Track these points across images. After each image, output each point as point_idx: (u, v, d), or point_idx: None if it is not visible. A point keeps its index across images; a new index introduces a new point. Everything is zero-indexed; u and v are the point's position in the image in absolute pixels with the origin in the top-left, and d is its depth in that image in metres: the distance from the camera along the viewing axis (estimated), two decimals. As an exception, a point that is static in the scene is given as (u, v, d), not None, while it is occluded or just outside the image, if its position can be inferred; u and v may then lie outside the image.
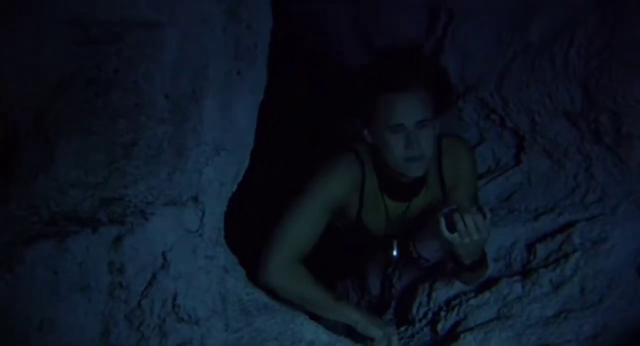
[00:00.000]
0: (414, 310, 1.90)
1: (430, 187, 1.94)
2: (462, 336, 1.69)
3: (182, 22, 1.50)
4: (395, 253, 1.95)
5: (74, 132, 1.43)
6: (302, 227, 1.83)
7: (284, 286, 1.78)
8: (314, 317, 1.83)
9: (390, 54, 1.97)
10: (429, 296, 1.87)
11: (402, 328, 1.93)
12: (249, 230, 2.10)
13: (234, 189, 1.77)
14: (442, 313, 1.78)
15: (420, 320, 1.89)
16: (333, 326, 1.85)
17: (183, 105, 1.56)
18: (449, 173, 1.93)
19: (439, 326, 1.80)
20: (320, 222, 1.85)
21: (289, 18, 2.40)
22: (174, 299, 1.59)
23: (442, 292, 1.86)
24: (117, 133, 1.47)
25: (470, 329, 1.71)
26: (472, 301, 1.74)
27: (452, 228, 1.62)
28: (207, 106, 1.61)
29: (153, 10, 1.44)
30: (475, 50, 1.97)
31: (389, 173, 1.87)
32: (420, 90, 1.76)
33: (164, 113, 1.52)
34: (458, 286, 1.85)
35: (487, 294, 1.73)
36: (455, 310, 1.74)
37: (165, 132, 1.53)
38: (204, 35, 1.57)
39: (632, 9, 1.56)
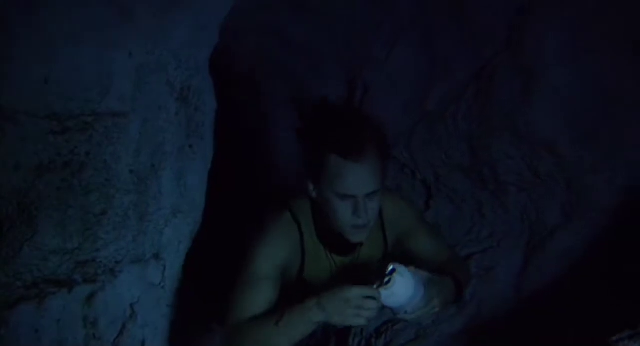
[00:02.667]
0: (350, 341, 2.19)
1: (373, 241, 1.87)
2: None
3: (142, 110, 1.79)
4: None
5: (53, 207, 1.66)
6: (252, 299, 1.71)
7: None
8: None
9: (342, 114, 1.77)
10: (361, 327, 2.16)
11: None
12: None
13: (190, 245, 2.03)
14: (373, 339, 2.08)
15: (355, 347, 2.15)
16: None
17: (145, 178, 1.83)
18: (391, 226, 1.87)
19: (371, 349, 2.05)
20: (268, 290, 1.73)
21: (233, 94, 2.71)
22: (143, 344, 1.82)
23: (372, 323, 2.14)
24: (90, 205, 1.70)
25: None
26: (396, 327, 2.06)
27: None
28: (165, 176, 1.89)
29: (119, 102, 1.72)
30: (387, 117, 2.37)
31: (330, 230, 1.77)
32: (374, 159, 1.63)
33: (129, 185, 1.78)
34: (385, 315, 2.13)
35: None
36: (383, 336, 2.05)
37: (131, 201, 1.78)
38: (161, 119, 1.86)
39: (496, 82, 2.02)
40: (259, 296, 1.70)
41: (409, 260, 1.70)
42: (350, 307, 1.50)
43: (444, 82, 2.23)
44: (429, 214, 2.34)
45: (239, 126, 2.87)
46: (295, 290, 1.78)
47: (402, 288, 1.52)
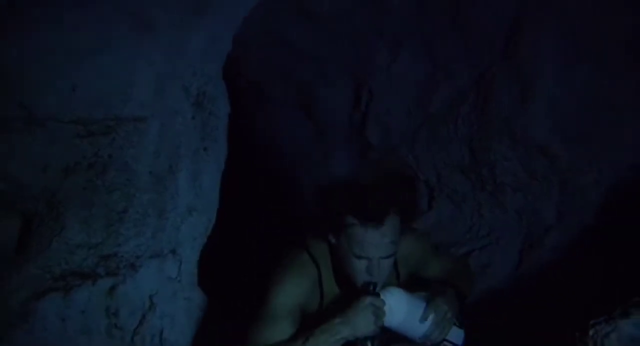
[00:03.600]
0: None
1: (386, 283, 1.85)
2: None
3: (160, 115, 1.92)
4: None
5: (79, 205, 1.80)
6: (269, 331, 1.77)
7: None
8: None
9: (366, 185, 1.86)
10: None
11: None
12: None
13: (204, 241, 2.15)
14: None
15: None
16: None
17: (163, 178, 1.95)
18: (403, 262, 1.89)
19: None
20: (287, 326, 1.79)
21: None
22: (161, 334, 1.92)
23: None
24: (113, 204, 1.83)
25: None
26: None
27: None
28: (181, 177, 2.01)
29: (140, 108, 1.86)
30: (391, 121, 2.48)
31: (345, 275, 1.82)
32: (393, 227, 1.69)
33: (149, 185, 1.90)
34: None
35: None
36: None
37: (150, 199, 1.90)
38: (178, 123, 1.99)
39: (495, 89, 2.13)
40: (277, 333, 1.76)
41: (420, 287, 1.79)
42: (370, 312, 1.62)
43: (445, 88, 2.34)
44: (431, 214, 2.45)
45: (248, 131, 3.00)
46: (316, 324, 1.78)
47: (395, 302, 1.66)
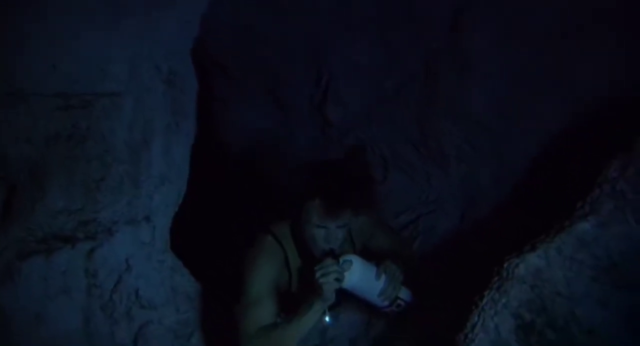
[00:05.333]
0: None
1: (343, 251, 2.08)
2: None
3: (134, 91, 2.07)
4: (327, 320, 1.99)
5: (60, 173, 1.94)
6: (256, 312, 1.98)
7: None
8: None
9: (332, 167, 2.08)
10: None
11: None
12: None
13: (176, 210, 2.31)
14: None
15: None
16: None
17: (137, 149, 2.10)
18: (357, 236, 2.18)
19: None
20: (270, 305, 2.01)
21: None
22: (137, 293, 2.08)
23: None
24: (91, 172, 1.98)
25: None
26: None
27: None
28: (154, 149, 2.16)
29: (115, 84, 2.01)
30: (349, 101, 2.70)
31: (307, 248, 2.06)
32: (349, 205, 1.96)
33: (124, 155, 2.05)
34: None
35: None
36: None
37: (125, 169, 2.06)
38: (150, 99, 2.14)
39: (440, 71, 2.37)
40: (264, 311, 1.99)
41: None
42: (329, 274, 1.84)
43: (397, 71, 2.57)
44: (385, 185, 2.68)
45: (215, 111, 3.16)
46: (286, 303, 2.05)
47: (355, 267, 1.89)
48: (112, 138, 2.03)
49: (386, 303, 1.95)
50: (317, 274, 1.84)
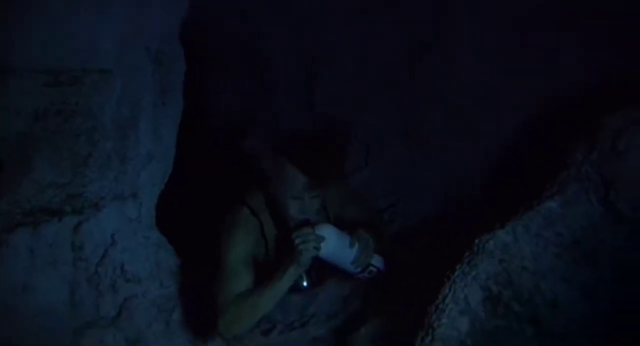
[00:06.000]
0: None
1: (320, 220, 2.14)
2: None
3: (123, 70, 2.11)
4: (305, 284, 2.06)
5: (48, 148, 1.98)
6: (232, 283, 2.02)
7: (239, 325, 1.98)
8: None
9: (304, 135, 2.25)
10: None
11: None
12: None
13: (162, 187, 2.36)
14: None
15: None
16: None
17: (125, 127, 2.14)
18: (330, 204, 2.21)
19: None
20: (246, 276, 2.05)
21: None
22: (122, 267, 2.13)
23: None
24: (79, 148, 2.02)
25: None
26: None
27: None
28: (142, 127, 2.21)
29: (104, 62, 2.05)
30: (336, 88, 2.78)
31: (282, 218, 2.12)
32: (321, 173, 2.02)
33: (112, 132, 2.09)
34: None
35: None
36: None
37: (113, 146, 2.10)
38: (139, 78, 2.18)
39: (425, 61, 2.46)
40: (240, 282, 2.04)
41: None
42: (309, 241, 1.91)
43: (383, 59, 2.64)
44: (367, 170, 2.75)
45: (203, 92, 3.21)
46: (262, 273, 2.08)
47: (327, 233, 1.96)
48: (100, 115, 2.07)
49: (359, 269, 2.03)
50: (297, 241, 1.90)
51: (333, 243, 1.97)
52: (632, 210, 1.41)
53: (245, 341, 2.17)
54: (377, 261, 2.06)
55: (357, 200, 2.39)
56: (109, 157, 2.11)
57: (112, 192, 2.14)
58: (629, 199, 1.42)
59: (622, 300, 1.40)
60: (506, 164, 2.10)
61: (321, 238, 1.94)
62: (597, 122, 1.55)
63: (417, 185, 2.52)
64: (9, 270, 1.95)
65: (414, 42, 2.57)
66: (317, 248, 1.93)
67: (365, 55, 2.75)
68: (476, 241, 1.52)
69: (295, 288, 2.05)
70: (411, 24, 2.55)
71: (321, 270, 2.14)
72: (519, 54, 2.09)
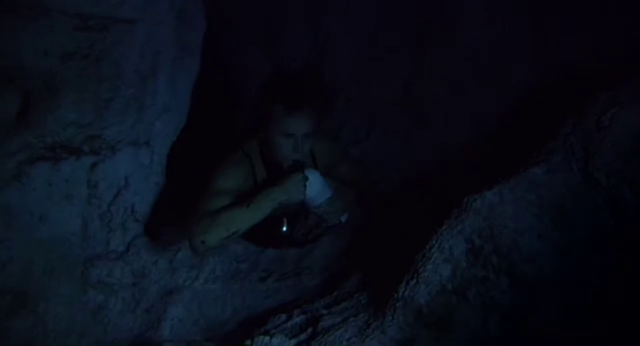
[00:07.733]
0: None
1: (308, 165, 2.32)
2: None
3: (148, 21, 2.21)
4: (285, 229, 2.22)
5: (73, 89, 2.09)
6: (214, 201, 2.17)
7: (210, 233, 2.06)
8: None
9: (291, 74, 2.30)
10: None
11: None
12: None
13: (174, 139, 2.48)
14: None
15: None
16: None
17: (145, 77, 2.25)
18: (320, 157, 2.37)
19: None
20: (228, 197, 2.19)
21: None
22: (133, 207, 2.28)
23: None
24: (101, 91, 2.13)
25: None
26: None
27: None
28: (160, 79, 2.32)
29: (131, 12, 2.14)
30: (342, 60, 2.90)
31: (275, 162, 2.24)
32: (310, 110, 2.15)
33: (133, 81, 2.20)
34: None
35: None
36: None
37: (132, 93, 2.21)
38: (161, 32, 2.28)
39: (428, 37, 2.58)
40: (221, 203, 2.17)
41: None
42: (301, 183, 2.09)
43: (388, 35, 2.76)
44: (369, 141, 2.89)
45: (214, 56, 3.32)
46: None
47: (314, 178, 2.17)
48: (123, 63, 2.18)
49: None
50: (302, 180, 2.09)
51: (316, 190, 2.17)
52: (606, 178, 1.56)
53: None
54: (345, 218, 2.31)
55: (349, 158, 2.55)
56: (128, 103, 2.22)
57: (129, 137, 2.26)
58: (606, 169, 1.56)
59: (593, 259, 1.54)
60: (501, 137, 2.24)
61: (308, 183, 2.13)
62: (585, 99, 1.69)
63: (415, 156, 2.66)
64: (27, 200, 2.07)
65: (421, 19, 2.69)
66: (305, 193, 2.11)
67: (375, 29, 2.87)
68: (465, 199, 1.66)
69: (277, 234, 2.23)
70: (419, 3, 2.68)
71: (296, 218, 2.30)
72: (519, 35, 2.22)
